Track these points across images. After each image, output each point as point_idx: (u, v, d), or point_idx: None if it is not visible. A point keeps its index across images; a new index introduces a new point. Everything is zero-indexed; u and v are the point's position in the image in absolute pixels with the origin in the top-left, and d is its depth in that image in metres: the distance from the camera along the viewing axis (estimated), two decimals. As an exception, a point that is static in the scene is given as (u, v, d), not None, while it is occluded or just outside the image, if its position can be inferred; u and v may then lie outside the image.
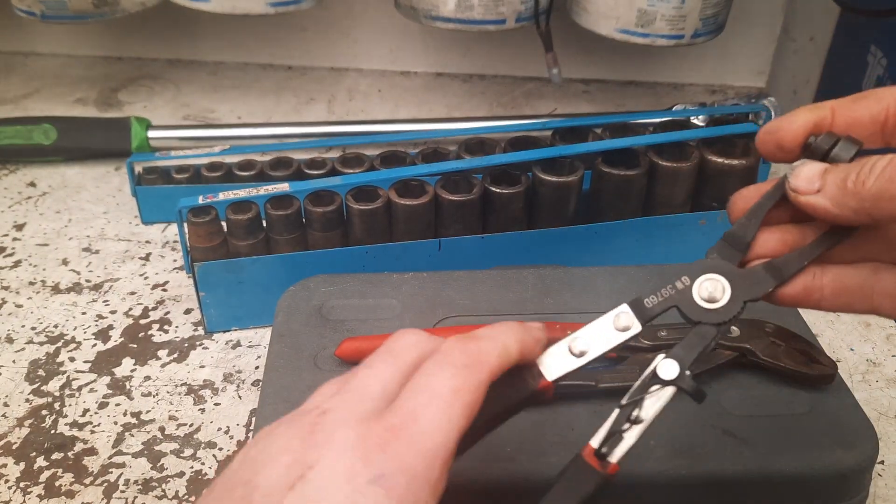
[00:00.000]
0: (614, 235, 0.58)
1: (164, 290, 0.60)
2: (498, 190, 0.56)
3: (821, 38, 0.89)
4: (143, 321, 0.57)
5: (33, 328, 0.57)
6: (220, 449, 0.48)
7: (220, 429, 0.49)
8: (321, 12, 0.90)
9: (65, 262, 0.63)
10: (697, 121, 0.71)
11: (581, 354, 0.32)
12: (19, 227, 0.67)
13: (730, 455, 0.39)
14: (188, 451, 0.47)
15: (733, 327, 0.44)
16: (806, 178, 0.31)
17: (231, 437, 0.49)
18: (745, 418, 0.41)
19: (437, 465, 0.26)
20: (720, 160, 0.58)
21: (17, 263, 0.63)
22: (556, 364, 0.32)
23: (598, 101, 0.89)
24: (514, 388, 0.31)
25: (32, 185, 0.73)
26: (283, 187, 0.55)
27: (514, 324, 0.31)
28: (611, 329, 0.32)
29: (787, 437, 0.40)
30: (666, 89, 0.92)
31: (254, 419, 0.48)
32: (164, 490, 0.45)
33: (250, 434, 0.49)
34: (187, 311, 0.58)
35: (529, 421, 0.40)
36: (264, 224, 0.55)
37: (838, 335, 0.58)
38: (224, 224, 0.55)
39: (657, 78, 0.93)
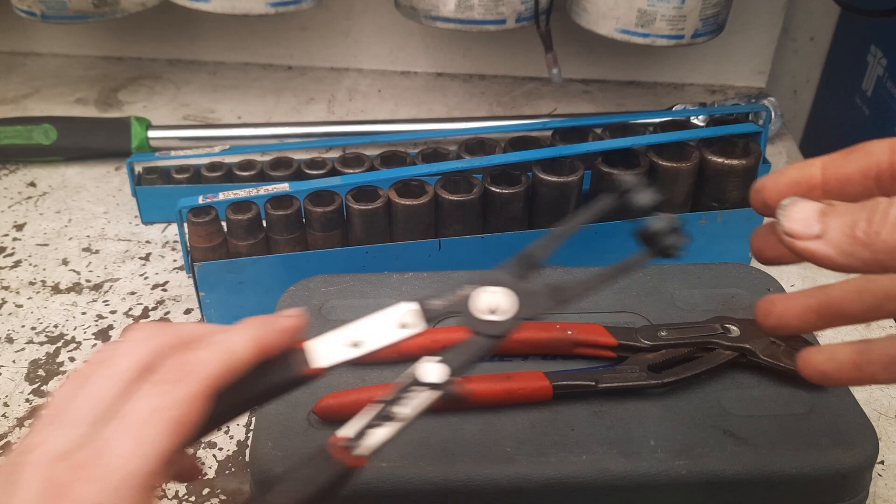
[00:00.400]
0: (614, 235, 0.58)
1: (164, 290, 0.60)
2: (498, 190, 0.56)
3: (821, 38, 0.89)
4: (143, 321, 0.57)
5: (33, 328, 0.57)
6: (220, 449, 0.48)
7: (219, 429, 0.49)
8: (321, 12, 0.90)
9: (65, 262, 0.63)
10: (697, 121, 0.71)
11: (356, 345, 0.31)
12: (19, 227, 0.67)
13: (730, 455, 0.39)
14: (188, 451, 0.47)
15: (733, 327, 0.44)
16: (802, 219, 0.28)
17: (231, 437, 0.49)
18: (745, 418, 0.41)
19: (127, 495, 0.25)
20: (720, 160, 0.58)
21: (17, 263, 0.63)
22: (328, 352, 0.31)
23: (599, 101, 0.89)
24: (273, 374, 0.31)
25: (32, 185, 0.73)
26: (283, 187, 0.55)
27: (254, 320, 0.31)
28: (391, 325, 0.32)
29: (787, 437, 0.40)
30: (666, 89, 0.92)
31: (254, 419, 0.48)
32: (163, 490, 0.45)
33: (250, 434, 0.49)
34: (187, 312, 0.58)
35: (529, 421, 0.41)
36: (264, 224, 0.55)
37: (838, 335, 0.58)
38: (224, 224, 0.55)
39: (657, 78, 0.93)
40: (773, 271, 0.60)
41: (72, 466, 0.25)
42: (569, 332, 0.43)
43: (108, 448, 0.25)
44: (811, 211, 0.28)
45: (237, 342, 0.29)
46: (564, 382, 0.41)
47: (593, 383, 0.41)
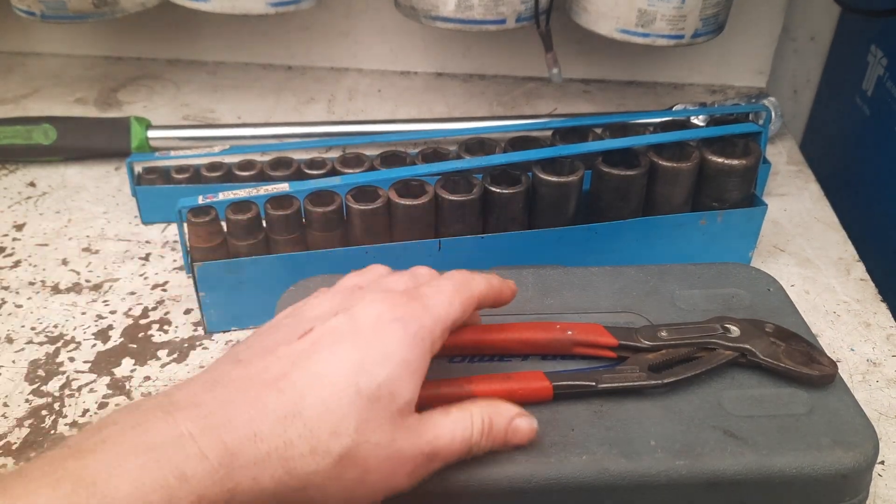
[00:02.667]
0: (614, 235, 0.58)
1: (164, 291, 0.60)
2: (498, 190, 0.56)
3: (821, 38, 0.89)
4: (142, 321, 0.57)
5: (33, 328, 0.57)
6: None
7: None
8: (321, 12, 0.90)
9: (64, 263, 0.63)
10: (698, 121, 0.71)
11: None
12: (19, 227, 0.67)
13: (730, 455, 0.39)
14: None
15: (733, 327, 0.44)
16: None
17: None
18: (745, 418, 0.41)
19: (439, 326, 0.36)
20: (720, 160, 0.58)
21: (16, 263, 0.63)
22: None
23: (599, 101, 0.89)
24: None
25: (32, 185, 0.73)
26: (283, 187, 0.55)
27: (495, 276, 0.42)
28: None
29: (787, 437, 0.40)
30: (666, 89, 0.92)
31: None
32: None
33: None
34: (187, 312, 0.58)
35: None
36: (264, 224, 0.55)
37: (838, 335, 0.58)
38: (224, 224, 0.55)
39: (657, 78, 0.93)
40: (773, 271, 0.60)
41: (407, 297, 0.37)
42: (569, 333, 0.43)
43: (430, 297, 0.37)
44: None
45: (494, 281, 0.41)
46: (565, 383, 0.41)
47: (593, 384, 0.41)
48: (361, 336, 0.35)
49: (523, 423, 0.38)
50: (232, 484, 0.30)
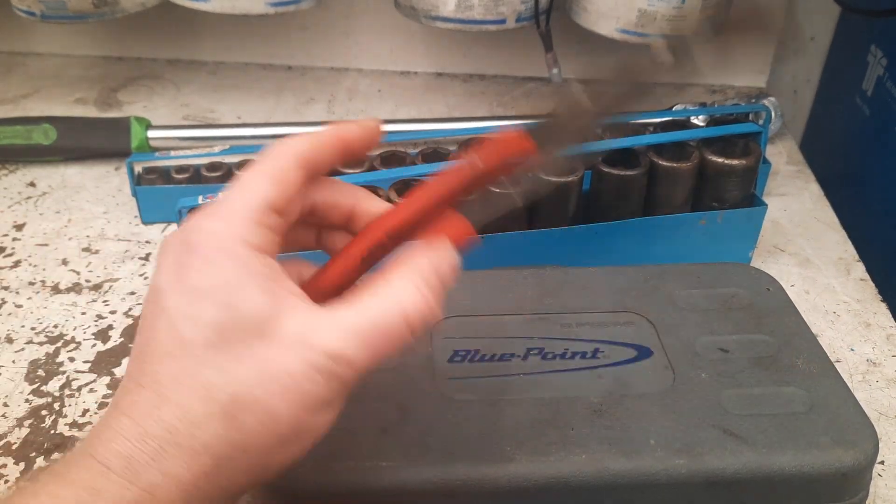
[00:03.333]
0: (614, 235, 0.58)
1: (164, 290, 0.60)
2: (497, 190, 0.55)
3: (821, 38, 0.89)
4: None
5: (33, 328, 0.57)
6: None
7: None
8: (321, 12, 0.90)
9: (64, 263, 0.63)
10: (697, 121, 0.71)
11: None
12: (19, 227, 0.67)
13: (730, 454, 0.39)
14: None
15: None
16: None
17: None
18: (744, 417, 0.41)
19: (239, 222, 0.30)
20: (720, 160, 0.58)
21: (16, 263, 0.63)
22: None
23: (599, 101, 0.89)
24: None
25: (32, 185, 0.73)
26: (283, 187, 0.55)
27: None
28: None
29: (787, 436, 0.40)
30: (666, 89, 0.92)
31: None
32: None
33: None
34: (187, 311, 0.58)
35: (528, 420, 0.41)
36: (264, 224, 0.55)
37: (838, 335, 0.58)
38: (224, 224, 0.55)
39: (657, 78, 0.93)
40: (772, 271, 0.60)
41: (200, 216, 0.31)
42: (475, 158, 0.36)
43: (225, 199, 0.31)
44: None
45: (318, 133, 0.34)
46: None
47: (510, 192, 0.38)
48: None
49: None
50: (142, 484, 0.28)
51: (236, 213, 0.30)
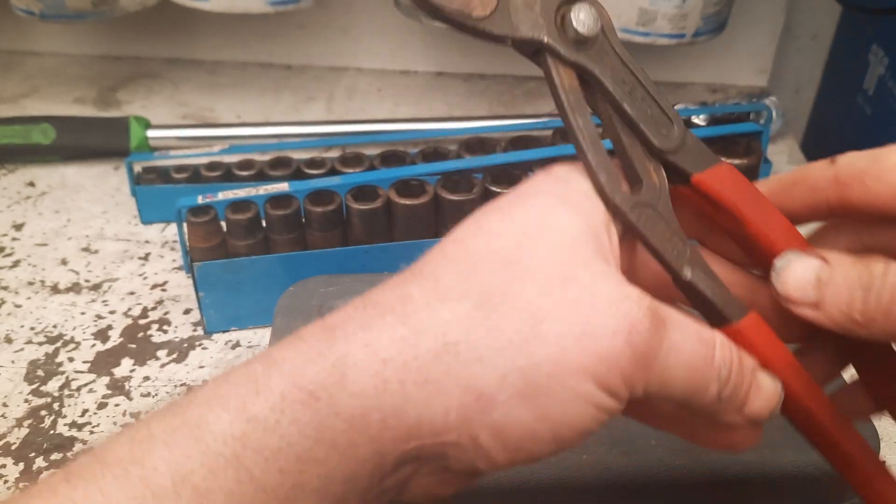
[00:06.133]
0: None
1: (164, 290, 0.60)
2: (498, 189, 0.55)
3: (823, 37, 0.89)
4: (142, 321, 0.57)
5: (32, 328, 0.56)
6: (220, 449, 0.48)
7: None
8: (320, 11, 0.90)
9: (64, 262, 0.63)
10: (699, 120, 0.71)
11: None
12: (18, 227, 0.67)
13: (731, 454, 0.39)
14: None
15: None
16: (797, 287, 0.26)
17: (230, 438, 0.49)
18: (746, 418, 0.41)
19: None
20: (721, 159, 0.58)
21: (15, 263, 0.63)
22: None
23: (599, 100, 0.89)
24: None
25: (31, 184, 0.73)
26: (283, 187, 0.55)
27: None
28: None
29: (787, 435, 0.39)
30: (667, 88, 0.92)
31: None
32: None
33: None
34: (186, 312, 0.58)
35: (530, 421, 0.40)
36: (263, 224, 0.55)
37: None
38: (223, 224, 0.55)
39: (658, 77, 0.93)
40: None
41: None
42: None
43: None
44: (807, 276, 0.26)
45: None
46: None
47: None
48: None
49: (767, 381, 0.27)
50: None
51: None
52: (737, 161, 0.58)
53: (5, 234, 0.66)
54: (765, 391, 0.27)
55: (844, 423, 0.28)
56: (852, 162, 0.27)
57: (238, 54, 0.94)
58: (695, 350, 0.25)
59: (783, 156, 0.80)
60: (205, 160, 0.67)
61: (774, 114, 0.78)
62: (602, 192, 0.27)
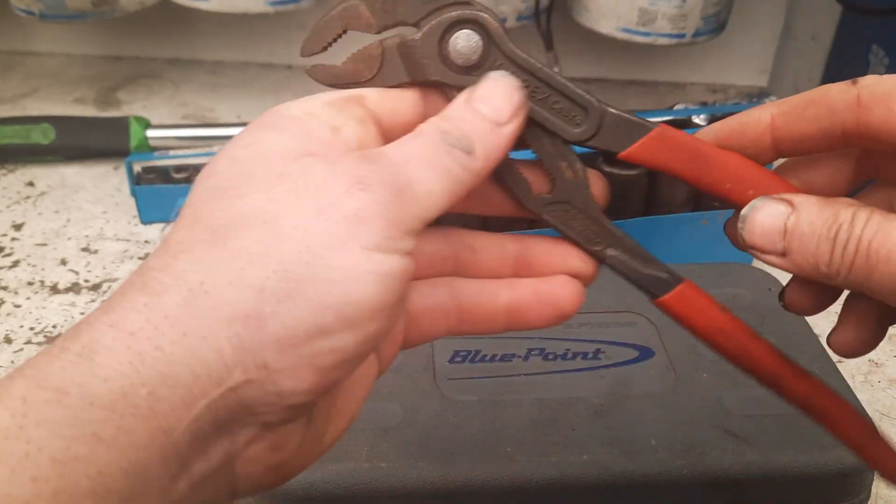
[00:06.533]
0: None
1: (163, 290, 0.60)
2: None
3: (823, 37, 0.89)
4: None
5: (32, 328, 0.56)
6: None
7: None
8: (321, 11, 0.89)
9: (63, 262, 0.63)
10: (699, 120, 0.71)
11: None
12: (18, 227, 0.67)
13: (731, 454, 0.39)
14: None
15: None
16: (763, 233, 0.26)
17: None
18: (746, 417, 0.41)
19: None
20: (721, 159, 0.58)
21: (15, 263, 0.63)
22: None
23: (599, 101, 0.89)
24: None
25: (31, 184, 0.73)
26: (283, 186, 0.55)
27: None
28: None
29: (788, 436, 0.40)
30: (667, 88, 0.92)
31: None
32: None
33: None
34: (186, 311, 0.58)
35: (529, 421, 0.40)
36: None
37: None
38: (223, 223, 0.54)
39: (658, 77, 0.93)
40: (775, 271, 0.59)
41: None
42: None
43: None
44: (774, 224, 0.26)
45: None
46: None
47: None
48: None
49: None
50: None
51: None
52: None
53: (5, 234, 0.66)
54: (502, 88, 0.27)
55: (793, 366, 0.30)
56: (877, 83, 0.25)
57: (238, 54, 0.94)
58: (417, 147, 0.25)
59: (783, 156, 0.79)
60: (205, 160, 0.67)
61: (775, 114, 0.77)
62: (519, 203, 0.29)
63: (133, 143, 0.74)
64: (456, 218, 0.32)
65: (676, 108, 0.76)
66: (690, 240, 0.60)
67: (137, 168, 0.68)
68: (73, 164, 0.75)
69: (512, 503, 0.38)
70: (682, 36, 0.71)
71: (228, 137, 0.82)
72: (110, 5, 0.75)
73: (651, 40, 0.71)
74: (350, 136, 0.25)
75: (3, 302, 0.59)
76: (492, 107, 0.26)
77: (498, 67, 0.27)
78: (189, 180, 0.66)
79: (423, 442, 0.39)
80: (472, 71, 0.27)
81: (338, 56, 0.28)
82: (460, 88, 0.27)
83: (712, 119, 0.69)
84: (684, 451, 0.39)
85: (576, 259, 0.29)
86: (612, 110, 0.28)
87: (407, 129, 0.26)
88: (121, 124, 0.75)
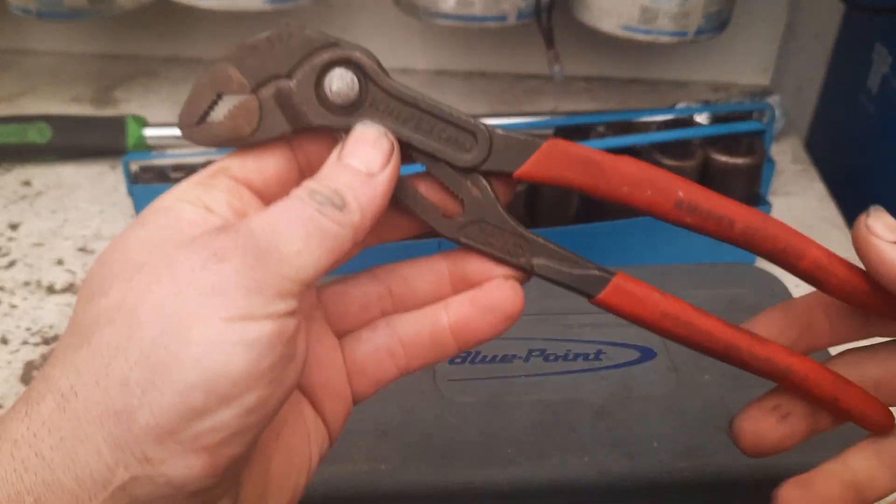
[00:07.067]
0: (617, 235, 0.58)
1: (161, 290, 0.60)
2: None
3: (826, 36, 0.89)
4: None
5: (28, 329, 0.56)
6: (216, 451, 0.47)
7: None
8: (319, 9, 0.89)
9: (60, 262, 0.63)
10: (701, 119, 0.71)
11: None
12: (14, 227, 0.67)
13: (733, 456, 0.38)
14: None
15: None
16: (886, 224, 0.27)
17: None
18: (750, 420, 0.40)
19: None
20: (724, 158, 0.58)
21: (11, 263, 0.62)
22: None
23: (601, 99, 0.88)
24: None
25: (27, 184, 0.72)
26: (281, 185, 0.55)
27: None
28: None
29: (793, 439, 0.39)
30: (669, 87, 0.91)
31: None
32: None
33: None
34: (183, 312, 0.58)
35: (529, 422, 0.40)
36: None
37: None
38: (220, 223, 0.54)
39: (660, 75, 0.92)
40: (777, 272, 0.59)
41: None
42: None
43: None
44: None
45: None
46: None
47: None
48: None
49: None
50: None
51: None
52: (740, 160, 0.58)
53: (1, 234, 0.66)
54: (367, 140, 0.27)
55: (747, 334, 0.30)
56: None
57: (237, 53, 0.93)
58: (284, 211, 0.24)
59: (786, 155, 0.79)
60: (202, 159, 0.67)
61: (777, 113, 0.77)
62: (433, 230, 0.28)
63: (130, 142, 0.74)
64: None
65: (678, 106, 0.76)
66: (693, 240, 0.59)
67: (134, 167, 0.67)
68: (70, 163, 0.75)
69: (512, 506, 0.38)
70: (684, 34, 0.70)
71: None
72: (107, 4, 0.74)
73: (653, 38, 0.70)
74: (223, 210, 0.25)
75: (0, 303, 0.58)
76: (361, 159, 0.26)
77: (377, 103, 0.27)
78: (187, 179, 0.66)
79: (422, 443, 0.39)
80: (354, 110, 0.27)
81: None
82: (347, 129, 0.27)
83: (715, 118, 0.68)
84: (686, 452, 0.38)
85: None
86: (500, 132, 0.28)
87: (282, 181, 0.27)
88: (118, 123, 0.74)
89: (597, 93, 0.90)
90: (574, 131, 0.64)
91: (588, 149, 0.28)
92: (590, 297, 0.29)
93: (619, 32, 0.71)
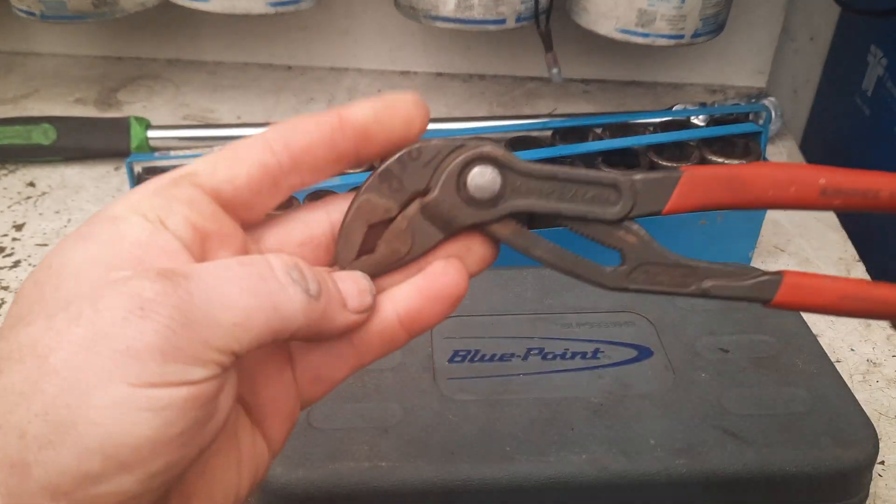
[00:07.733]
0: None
1: (164, 290, 0.60)
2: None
3: (821, 38, 0.89)
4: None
5: (33, 328, 0.56)
6: (220, 449, 0.48)
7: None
8: (321, 12, 0.90)
9: (64, 262, 0.63)
10: (697, 120, 0.71)
11: None
12: (18, 228, 0.67)
13: (730, 454, 0.39)
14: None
15: None
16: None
17: (230, 437, 0.49)
18: (745, 417, 0.41)
19: None
20: (720, 160, 0.58)
21: (16, 264, 0.63)
22: None
23: (599, 101, 0.89)
24: None
25: (32, 185, 0.73)
26: (283, 187, 0.55)
27: None
28: None
29: (787, 436, 0.40)
30: (666, 89, 0.92)
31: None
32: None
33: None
34: (187, 311, 0.58)
35: (528, 420, 0.40)
36: (264, 224, 0.55)
37: (839, 335, 0.58)
38: (223, 224, 0.55)
39: (657, 78, 0.93)
40: (774, 269, 0.60)
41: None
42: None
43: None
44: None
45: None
46: None
47: None
48: None
49: (354, 275, 0.27)
50: None
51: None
52: (736, 161, 0.58)
53: (6, 235, 0.66)
54: (357, 281, 0.27)
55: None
56: None
57: (239, 55, 0.94)
58: (242, 274, 0.23)
59: (782, 156, 0.80)
60: (205, 161, 0.67)
61: (773, 114, 0.78)
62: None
63: (134, 143, 0.74)
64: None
65: (675, 108, 0.76)
66: (689, 240, 0.60)
67: (138, 169, 0.68)
68: (74, 164, 0.75)
69: (511, 502, 0.39)
70: (681, 37, 0.71)
71: (229, 138, 0.82)
72: (111, 6, 0.75)
73: (650, 41, 0.71)
74: (178, 224, 0.24)
75: (3, 302, 0.59)
76: (345, 288, 0.26)
77: (519, 187, 0.28)
78: (189, 181, 0.66)
79: (422, 441, 0.39)
80: (500, 200, 0.28)
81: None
82: (498, 220, 0.29)
83: (711, 120, 0.69)
84: (683, 450, 0.39)
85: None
86: (638, 177, 0.28)
87: (254, 190, 0.25)
88: (121, 125, 0.75)
89: (594, 95, 0.90)
90: (572, 133, 0.65)
91: (723, 167, 0.29)
92: (766, 302, 0.29)
93: (617, 35, 0.72)
